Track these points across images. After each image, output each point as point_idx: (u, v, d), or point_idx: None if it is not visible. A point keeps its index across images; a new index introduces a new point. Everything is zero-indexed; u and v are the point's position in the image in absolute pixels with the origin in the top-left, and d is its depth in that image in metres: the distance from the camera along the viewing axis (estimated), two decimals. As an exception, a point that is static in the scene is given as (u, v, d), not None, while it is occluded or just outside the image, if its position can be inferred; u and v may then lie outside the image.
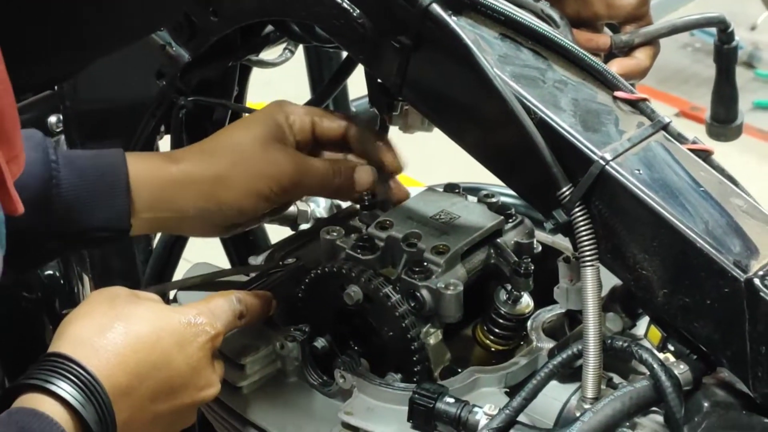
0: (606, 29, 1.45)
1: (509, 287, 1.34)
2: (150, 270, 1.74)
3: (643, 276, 1.14)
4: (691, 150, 1.20)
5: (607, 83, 1.23)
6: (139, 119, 1.56)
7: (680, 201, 1.12)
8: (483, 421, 1.17)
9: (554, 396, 1.21)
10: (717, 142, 1.59)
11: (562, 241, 1.42)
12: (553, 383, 1.19)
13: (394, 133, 1.50)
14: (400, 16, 1.21)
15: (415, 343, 1.26)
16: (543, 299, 1.33)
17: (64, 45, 1.20)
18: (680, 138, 1.21)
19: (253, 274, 1.45)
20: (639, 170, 1.13)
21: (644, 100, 1.22)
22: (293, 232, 1.56)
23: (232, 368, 1.31)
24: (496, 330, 1.35)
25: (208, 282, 1.46)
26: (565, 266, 1.24)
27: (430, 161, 2.59)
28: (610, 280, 1.21)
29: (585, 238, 1.14)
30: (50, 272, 2.00)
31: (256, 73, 1.75)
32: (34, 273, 1.96)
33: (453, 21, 1.18)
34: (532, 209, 1.28)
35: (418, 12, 1.19)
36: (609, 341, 1.16)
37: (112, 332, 1.14)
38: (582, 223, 1.14)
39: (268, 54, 1.65)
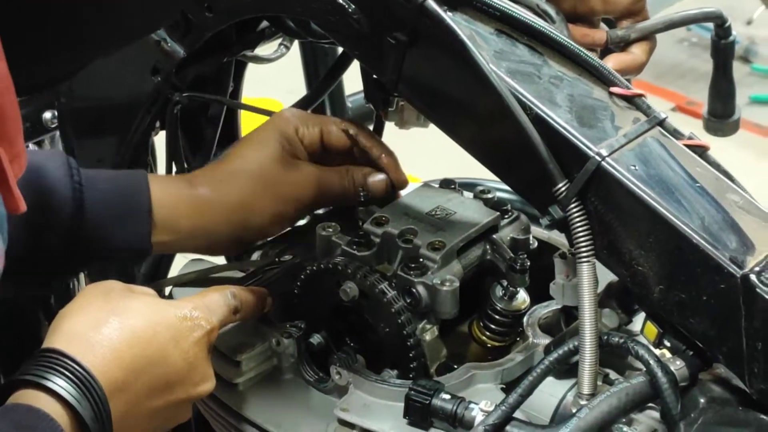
0: (602, 24, 1.45)
1: (505, 283, 1.34)
2: (145, 266, 1.74)
3: (639, 272, 1.14)
4: (688, 146, 1.20)
5: (603, 79, 1.23)
6: (135, 115, 1.56)
7: (676, 197, 1.12)
8: (479, 417, 1.16)
9: (550, 392, 1.21)
10: (714, 137, 1.59)
11: (557, 237, 1.42)
12: (550, 379, 1.19)
13: (389, 128, 1.50)
14: (395, 12, 1.21)
15: (411, 339, 1.26)
16: (539, 295, 1.33)
17: (64, 45, 1.20)
18: (676, 134, 1.21)
19: (249, 270, 1.44)
20: (635, 166, 1.13)
21: (640, 95, 1.21)
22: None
23: (228, 365, 1.31)
24: (492, 326, 1.35)
25: (204, 278, 1.46)
26: (561, 262, 1.24)
27: (425, 157, 2.59)
28: (606, 276, 1.21)
29: (581, 234, 1.14)
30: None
31: (251, 69, 1.75)
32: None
33: (448, 17, 1.18)
34: (528, 205, 1.28)
35: (414, 8, 1.18)
36: (605, 337, 1.16)
37: (107, 327, 1.14)
38: (578, 219, 1.14)
39: (264, 50, 1.65)
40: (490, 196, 1.41)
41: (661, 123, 1.20)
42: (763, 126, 4.43)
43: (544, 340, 1.29)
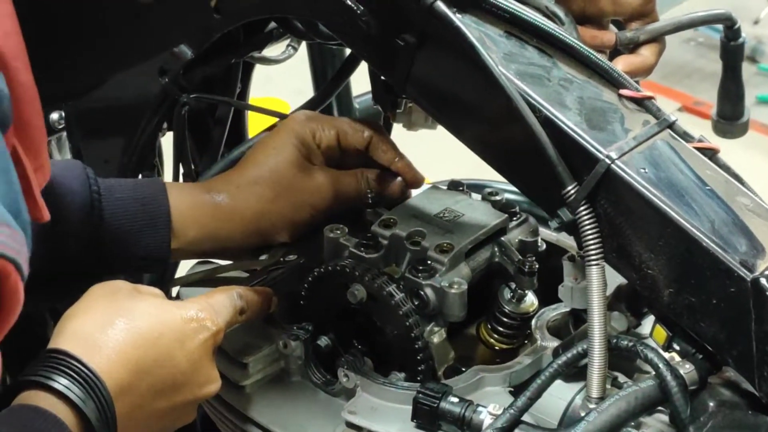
0: (611, 26, 1.44)
1: (513, 286, 1.34)
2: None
3: (648, 275, 1.13)
4: (697, 148, 1.19)
5: (612, 81, 1.22)
6: (141, 116, 1.56)
7: (686, 200, 1.12)
8: (487, 420, 1.16)
9: (559, 395, 1.20)
10: (722, 139, 1.58)
11: (566, 239, 1.42)
12: (558, 382, 1.19)
13: (397, 130, 1.50)
14: (404, 14, 1.20)
15: (419, 342, 1.26)
16: (547, 298, 1.33)
17: (89, 58, 1.21)
18: (686, 136, 1.20)
19: (254, 269, 1.44)
20: (645, 169, 1.13)
21: (650, 98, 1.21)
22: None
23: (235, 367, 1.31)
24: (500, 329, 1.35)
25: (209, 278, 1.46)
26: (570, 265, 1.24)
27: (433, 159, 2.59)
28: (615, 279, 1.21)
29: (590, 237, 1.14)
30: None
31: (256, 68, 1.75)
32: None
33: (458, 18, 1.17)
34: (536, 206, 1.27)
35: (423, 9, 1.18)
36: (614, 341, 1.15)
37: (113, 328, 1.14)
38: (587, 222, 1.13)
39: (271, 51, 1.64)
40: (498, 198, 1.41)
41: (671, 125, 1.20)
42: (770, 126, 4.42)
43: (553, 343, 1.29)
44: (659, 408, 1.15)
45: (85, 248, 1.34)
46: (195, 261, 1.51)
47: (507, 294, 1.34)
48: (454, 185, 1.44)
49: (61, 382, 1.08)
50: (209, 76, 1.55)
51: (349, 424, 1.24)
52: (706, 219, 1.11)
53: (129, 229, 1.36)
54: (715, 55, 1.55)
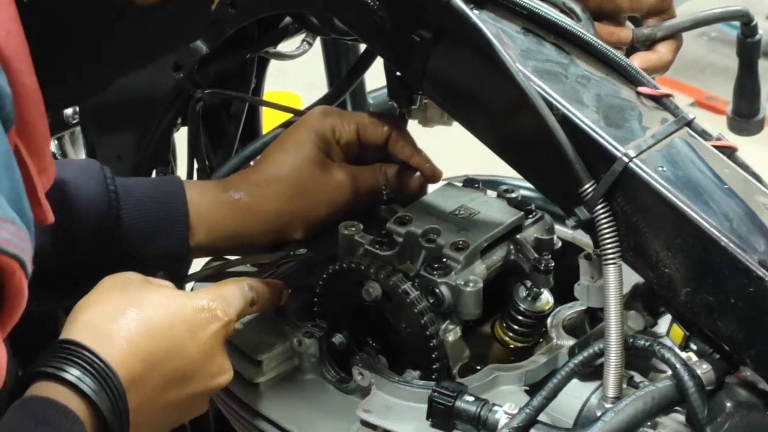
0: (628, 23, 1.44)
1: (529, 284, 1.33)
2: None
3: (665, 274, 1.13)
4: (716, 147, 1.19)
5: (630, 78, 1.21)
6: (156, 112, 1.56)
7: (704, 198, 1.11)
8: (503, 420, 1.15)
9: (574, 394, 1.20)
10: (738, 136, 1.57)
11: (582, 237, 1.41)
12: (574, 381, 1.18)
13: (412, 126, 1.49)
14: (420, 9, 1.20)
15: (434, 340, 1.25)
16: (563, 296, 1.32)
17: (94, 60, 1.21)
18: (704, 134, 1.19)
19: (264, 263, 1.44)
20: (663, 167, 1.12)
21: (668, 96, 1.20)
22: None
23: (249, 364, 1.31)
24: (516, 327, 1.34)
25: (220, 273, 1.46)
26: (587, 263, 1.23)
27: (448, 155, 2.58)
28: (632, 278, 1.20)
29: (608, 235, 1.13)
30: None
31: (271, 62, 1.75)
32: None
33: (474, 15, 1.16)
34: (552, 204, 1.27)
35: (440, 5, 1.17)
36: (631, 340, 1.15)
37: (124, 319, 1.13)
38: (605, 221, 1.13)
39: (286, 46, 1.64)
40: (514, 195, 1.40)
41: (689, 123, 1.19)
42: (785, 123, 4.40)
43: (569, 342, 1.28)
44: (676, 408, 1.14)
45: (101, 248, 1.34)
46: (208, 258, 1.50)
47: (522, 292, 1.33)
48: (470, 182, 1.43)
49: (72, 373, 1.08)
50: (224, 71, 1.55)
51: (364, 423, 1.24)
52: (724, 218, 1.10)
53: (147, 228, 1.36)
54: (728, 50, 1.55)
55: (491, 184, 1.47)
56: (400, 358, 1.29)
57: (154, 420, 1.16)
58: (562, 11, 1.30)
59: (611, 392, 1.14)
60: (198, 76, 1.47)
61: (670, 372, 1.12)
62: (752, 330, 1.09)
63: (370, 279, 1.27)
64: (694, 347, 1.15)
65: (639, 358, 1.21)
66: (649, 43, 1.42)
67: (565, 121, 1.14)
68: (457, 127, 1.32)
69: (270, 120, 1.72)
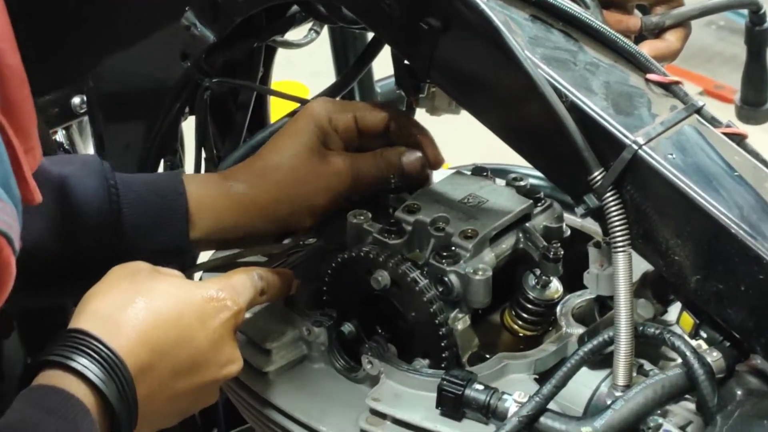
0: (636, 11, 1.44)
1: (538, 272, 1.32)
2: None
3: (675, 261, 1.12)
4: (725, 134, 1.18)
5: (639, 66, 1.21)
6: (164, 101, 1.56)
7: (714, 186, 1.11)
8: (513, 408, 1.15)
9: (584, 383, 1.19)
10: (747, 125, 1.57)
11: (591, 225, 1.41)
12: (583, 370, 1.18)
13: (420, 115, 1.49)
14: (428, -3, 1.20)
15: (443, 328, 1.25)
16: (572, 284, 1.32)
17: (77, 39, 1.21)
18: (714, 121, 1.19)
19: (274, 253, 1.44)
20: (672, 154, 1.12)
21: (677, 83, 1.20)
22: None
23: (258, 353, 1.30)
24: (525, 315, 1.34)
25: (230, 263, 1.46)
26: (596, 251, 1.22)
27: (457, 144, 2.58)
28: (641, 265, 1.20)
29: (617, 223, 1.13)
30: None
31: (277, 51, 1.74)
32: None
33: (483, 2, 1.16)
34: (561, 192, 1.26)
35: (448, -7, 1.17)
36: (640, 328, 1.15)
37: (133, 308, 1.13)
38: (614, 209, 1.13)
39: (294, 35, 1.64)
40: (522, 183, 1.40)
41: (699, 111, 1.18)
42: (793, 111, 4.39)
43: (578, 330, 1.27)
44: (686, 396, 1.14)
45: (102, 243, 1.34)
46: (213, 252, 1.50)
47: (532, 280, 1.33)
48: (478, 170, 1.43)
49: (80, 362, 1.08)
50: (231, 60, 1.54)
51: (373, 411, 1.24)
52: (734, 205, 1.10)
53: (147, 222, 1.36)
54: (736, 38, 1.55)
55: (500, 172, 1.46)
56: (410, 347, 1.29)
57: (164, 410, 1.16)
58: (570, -2, 1.30)
59: (621, 380, 1.13)
60: (205, 65, 1.47)
61: (680, 360, 1.12)
62: (762, 317, 1.08)
63: (379, 268, 1.27)
64: (704, 335, 1.15)
65: (649, 346, 1.21)
66: (658, 32, 1.42)
67: (574, 109, 1.13)
68: (465, 115, 1.32)
69: (278, 110, 1.72)
